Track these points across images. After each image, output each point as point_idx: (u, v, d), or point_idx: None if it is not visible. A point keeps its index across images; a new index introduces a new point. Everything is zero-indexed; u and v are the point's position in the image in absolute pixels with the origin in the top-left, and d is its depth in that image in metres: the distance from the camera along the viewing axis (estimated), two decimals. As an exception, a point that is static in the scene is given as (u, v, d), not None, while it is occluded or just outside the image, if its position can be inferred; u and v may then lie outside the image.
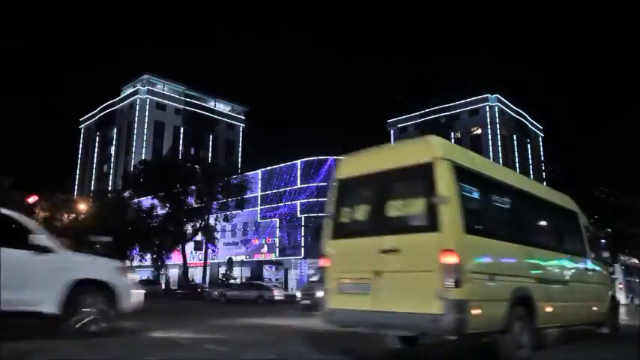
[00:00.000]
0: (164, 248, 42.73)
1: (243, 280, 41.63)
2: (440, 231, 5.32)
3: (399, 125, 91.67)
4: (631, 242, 32.23)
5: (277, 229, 47.22)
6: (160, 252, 43.01)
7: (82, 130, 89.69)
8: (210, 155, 79.38)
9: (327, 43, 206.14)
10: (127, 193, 44.60)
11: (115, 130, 79.64)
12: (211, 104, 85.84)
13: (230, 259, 44.33)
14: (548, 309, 6.72)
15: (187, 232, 41.50)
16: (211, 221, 41.84)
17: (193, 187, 40.94)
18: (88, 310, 7.35)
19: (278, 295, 30.20)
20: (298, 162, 47.75)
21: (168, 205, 40.93)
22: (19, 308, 6.73)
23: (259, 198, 48.97)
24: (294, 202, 46.40)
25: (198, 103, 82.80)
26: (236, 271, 45.56)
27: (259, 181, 48.97)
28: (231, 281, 41.02)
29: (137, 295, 8.16)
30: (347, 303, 6.10)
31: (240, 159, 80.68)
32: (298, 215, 45.93)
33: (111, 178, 74.38)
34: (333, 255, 6.43)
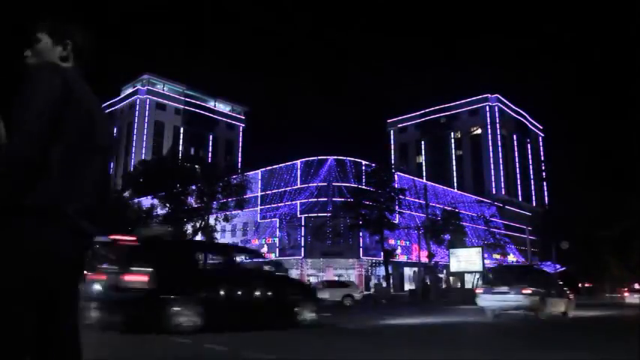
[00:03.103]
0: (164, 248, 42.68)
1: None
2: None
3: (399, 125, 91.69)
4: (634, 243, 32.18)
5: (277, 229, 47.17)
6: (159, 252, 42.96)
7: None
8: (210, 155, 79.38)
9: (327, 42, 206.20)
10: (126, 193, 44.56)
11: (115, 130, 79.61)
12: (211, 104, 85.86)
13: (230, 259, 44.31)
14: None
15: (187, 232, 41.46)
16: (211, 221, 41.81)
17: (193, 187, 40.93)
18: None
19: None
20: (298, 162, 47.69)
21: (168, 205, 40.91)
22: None
23: (259, 198, 48.92)
24: (294, 202, 46.35)
25: (198, 103, 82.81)
26: (236, 271, 45.54)
27: (259, 181, 48.92)
28: None
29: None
30: None
31: (240, 159, 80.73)
32: (298, 215, 45.88)
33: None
34: None
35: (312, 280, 48.45)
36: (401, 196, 40.84)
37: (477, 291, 16.66)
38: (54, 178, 1.70)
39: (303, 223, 45.41)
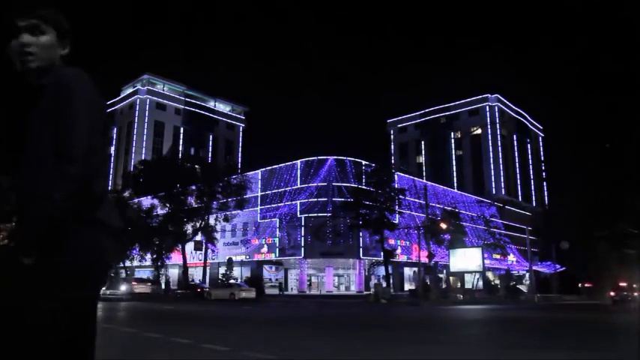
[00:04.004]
0: (164, 248, 42.72)
1: (243, 281, 41.62)
2: None
3: (399, 125, 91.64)
4: (630, 242, 32.20)
5: (277, 229, 47.15)
6: (160, 252, 42.99)
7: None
8: (210, 155, 79.39)
9: (327, 42, 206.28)
10: (127, 193, 44.57)
11: (115, 130, 79.63)
12: (211, 104, 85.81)
13: (230, 259, 44.32)
14: None
15: (187, 232, 41.46)
16: (211, 221, 41.80)
17: (193, 187, 40.93)
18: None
19: None
20: (298, 162, 47.66)
21: (168, 205, 40.91)
22: None
23: (259, 198, 48.90)
24: (294, 202, 46.33)
25: (198, 103, 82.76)
26: (236, 271, 45.54)
27: (259, 181, 48.90)
28: (231, 281, 41.01)
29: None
30: None
31: (240, 159, 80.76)
32: (298, 215, 45.87)
33: (111, 178, 74.38)
34: None
35: (313, 279, 48.60)
36: (401, 196, 40.84)
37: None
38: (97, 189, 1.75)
39: (303, 223, 45.39)
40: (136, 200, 44.14)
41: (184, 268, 41.89)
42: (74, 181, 1.60)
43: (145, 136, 75.11)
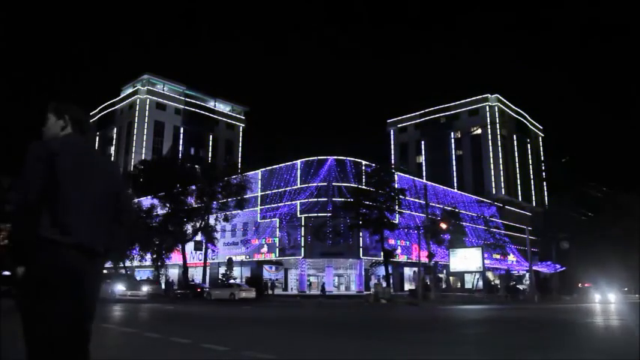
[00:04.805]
0: (164, 248, 42.71)
1: (243, 281, 41.66)
2: None
3: (399, 125, 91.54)
4: (634, 242, 32.22)
5: (277, 229, 47.14)
6: (160, 252, 42.97)
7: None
8: (210, 155, 79.35)
9: (327, 43, 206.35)
10: (126, 193, 44.52)
11: (115, 130, 79.62)
12: (211, 104, 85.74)
13: (230, 259, 44.32)
14: None
15: (187, 232, 41.46)
16: (211, 221, 41.80)
17: (193, 187, 40.93)
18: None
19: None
20: (298, 162, 47.65)
21: (168, 205, 40.92)
22: None
23: (259, 198, 48.89)
24: (294, 202, 46.33)
25: (198, 103, 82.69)
26: (236, 271, 45.53)
27: (259, 181, 48.90)
28: (231, 281, 41.04)
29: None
30: None
31: (240, 159, 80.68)
32: (298, 215, 45.87)
33: (111, 178, 74.13)
34: None
35: (313, 279, 48.60)
36: (401, 196, 40.84)
37: None
38: None
39: (303, 223, 45.38)
40: (135, 200, 44.13)
41: (184, 268, 41.88)
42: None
43: (145, 136, 75.05)
